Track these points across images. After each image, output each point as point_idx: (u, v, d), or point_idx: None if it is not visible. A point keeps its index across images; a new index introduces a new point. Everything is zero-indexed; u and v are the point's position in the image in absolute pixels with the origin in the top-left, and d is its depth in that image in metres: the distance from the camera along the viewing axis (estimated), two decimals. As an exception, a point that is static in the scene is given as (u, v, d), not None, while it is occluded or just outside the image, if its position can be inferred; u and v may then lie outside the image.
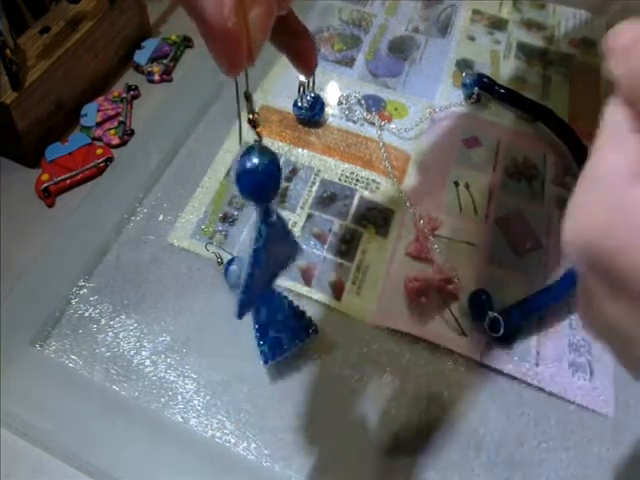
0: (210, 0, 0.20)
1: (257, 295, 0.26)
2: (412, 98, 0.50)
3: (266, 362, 0.34)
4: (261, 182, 0.22)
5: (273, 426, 0.33)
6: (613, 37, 0.17)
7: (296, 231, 0.40)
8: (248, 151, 0.22)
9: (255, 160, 0.21)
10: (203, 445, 0.32)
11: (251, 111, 0.23)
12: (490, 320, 0.35)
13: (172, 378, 0.34)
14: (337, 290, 0.38)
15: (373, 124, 0.47)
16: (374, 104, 0.49)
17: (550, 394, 0.34)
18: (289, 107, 0.47)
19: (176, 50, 0.53)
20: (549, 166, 0.45)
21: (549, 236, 0.41)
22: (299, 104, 0.46)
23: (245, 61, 0.21)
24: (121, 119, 0.48)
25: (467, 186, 0.44)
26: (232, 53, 0.21)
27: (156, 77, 0.51)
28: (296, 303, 0.35)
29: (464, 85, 0.49)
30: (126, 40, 0.52)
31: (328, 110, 0.48)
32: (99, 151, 0.45)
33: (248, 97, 0.23)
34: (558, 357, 0.35)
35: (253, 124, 0.23)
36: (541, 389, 0.34)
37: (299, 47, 0.27)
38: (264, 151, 0.22)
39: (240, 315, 0.26)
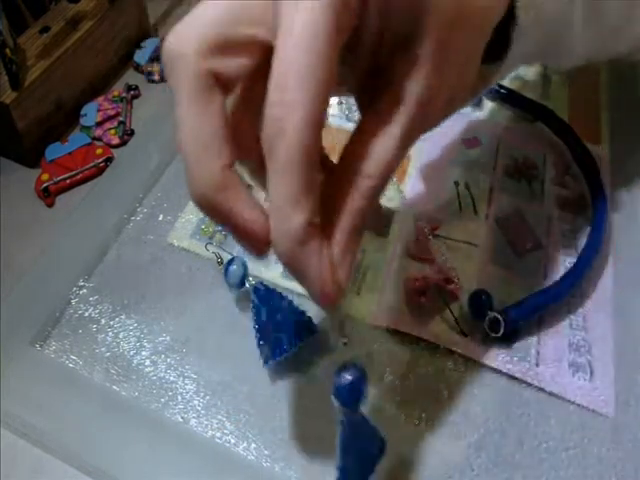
0: (324, 278, 0.22)
1: None
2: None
3: (266, 362, 0.34)
4: (356, 396, 0.26)
5: (273, 426, 0.33)
6: None
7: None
8: (344, 367, 0.26)
9: (350, 377, 0.26)
10: (203, 445, 0.32)
11: (343, 335, 0.33)
12: (490, 320, 0.35)
13: (172, 378, 0.34)
14: (337, 290, 0.38)
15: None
16: (374, 104, 0.49)
17: (550, 394, 0.34)
18: (289, 107, 0.47)
19: (176, 50, 0.53)
20: (549, 166, 0.45)
21: (549, 236, 0.41)
22: (299, 104, 0.46)
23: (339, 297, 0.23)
24: (121, 119, 0.48)
25: (467, 186, 0.43)
26: (332, 303, 0.23)
27: (156, 77, 0.51)
28: (296, 303, 0.35)
29: (464, 85, 0.49)
30: (126, 40, 0.52)
31: (328, 110, 0.48)
32: (99, 151, 0.45)
33: (342, 325, 0.33)
34: (558, 357, 0.35)
35: (344, 343, 0.32)
36: (541, 389, 0.34)
37: None
38: (357, 369, 0.26)
39: None
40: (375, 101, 0.24)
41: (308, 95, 0.21)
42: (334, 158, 0.48)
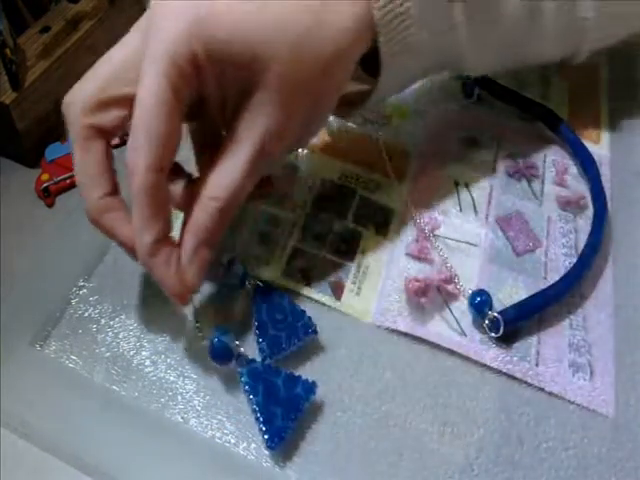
0: (170, 282, 0.29)
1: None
2: (412, 97, 0.50)
3: (264, 361, 0.34)
4: (220, 354, 0.33)
5: (273, 426, 0.33)
6: None
7: (296, 231, 0.40)
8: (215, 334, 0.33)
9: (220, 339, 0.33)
10: (203, 445, 0.32)
11: (197, 321, 0.35)
12: (490, 320, 0.35)
13: (172, 378, 0.34)
14: (337, 290, 0.38)
15: (373, 124, 0.47)
16: (374, 104, 0.49)
17: (550, 394, 0.34)
18: (289, 107, 0.47)
19: (176, 50, 0.53)
20: (549, 166, 0.45)
21: (549, 236, 0.41)
22: (299, 104, 0.46)
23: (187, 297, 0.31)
24: (121, 119, 0.48)
25: (467, 186, 0.44)
26: (181, 301, 0.31)
27: (156, 77, 0.51)
28: (296, 303, 0.35)
29: (464, 85, 0.49)
30: (126, 40, 0.52)
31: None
32: (99, 151, 0.45)
33: (196, 312, 0.35)
34: (558, 357, 0.35)
35: (197, 327, 0.35)
36: (541, 389, 0.34)
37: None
38: (224, 332, 0.33)
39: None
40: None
41: (151, 147, 0.27)
42: (330, 158, 0.48)
